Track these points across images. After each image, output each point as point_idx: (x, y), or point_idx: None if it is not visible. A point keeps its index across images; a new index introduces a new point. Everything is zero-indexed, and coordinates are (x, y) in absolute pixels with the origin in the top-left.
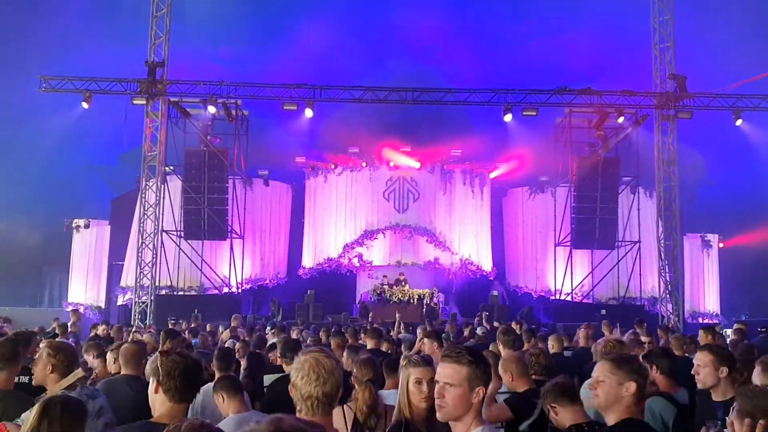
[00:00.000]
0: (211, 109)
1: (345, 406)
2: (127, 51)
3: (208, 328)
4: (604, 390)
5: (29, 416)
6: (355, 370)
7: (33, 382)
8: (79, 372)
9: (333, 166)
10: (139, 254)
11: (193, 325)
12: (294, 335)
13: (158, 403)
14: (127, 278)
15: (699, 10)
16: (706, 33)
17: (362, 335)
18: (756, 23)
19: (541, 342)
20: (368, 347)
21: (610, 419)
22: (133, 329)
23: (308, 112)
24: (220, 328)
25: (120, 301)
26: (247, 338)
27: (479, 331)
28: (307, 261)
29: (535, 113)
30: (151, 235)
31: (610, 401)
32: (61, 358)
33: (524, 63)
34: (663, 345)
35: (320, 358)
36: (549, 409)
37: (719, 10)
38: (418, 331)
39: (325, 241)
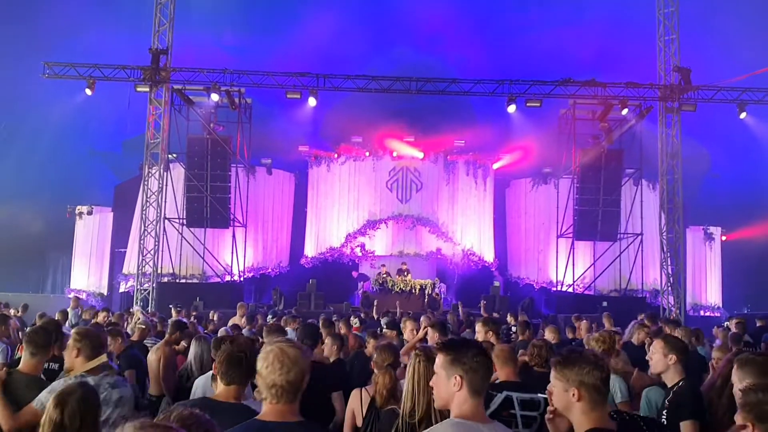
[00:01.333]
0: (215, 97)
1: (363, 389)
2: (131, 38)
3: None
4: (555, 398)
5: (47, 411)
6: (375, 355)
7: (64, 368)
8: (102, 357)
9: (336, 156)
10: (142, 241)
11: (194, 314)
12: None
13: (217, 384)
14: (130, 265)
15: (704, 2)
16: (711, 25)
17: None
18: (761, 16)
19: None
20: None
21: (578, 428)
22: (137, 313)
23: (312, 101)
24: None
25: (122, 288)
26: (246, 327)
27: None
28: (310, 250)
29: (538, 104)
30: (154, 223)
31: (562, 408)
32: (86, 343)
33: (529, 54)
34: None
35: (285, 348)
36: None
37: (724, 3)
38: (422, 320)
39: (328, 230)
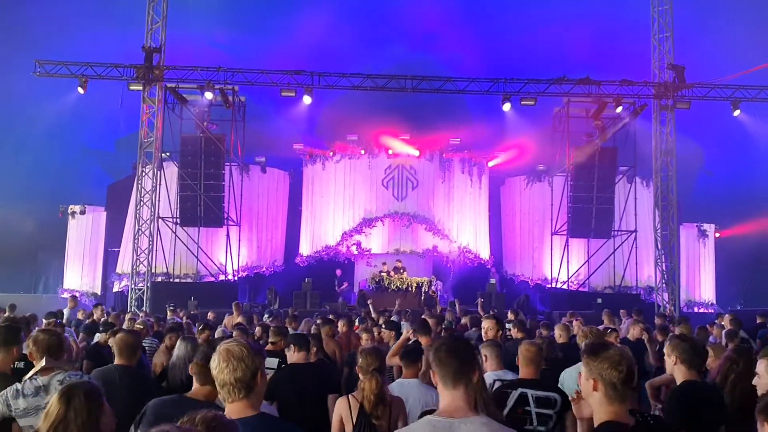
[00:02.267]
0: (208, 95)
1: (350, 396)
2: (124, 35)
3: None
4: (582, 383)
5: (50, 405)
6: (360, 360)
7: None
8: (42, 363)
9: (331, 154)
10: (136, 241)
11: (192, 312)
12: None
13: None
14: (123, 265)
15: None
16: (706, 23)
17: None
18: (755, 14)
19: (545, 330)
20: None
21: (595, 419)
22: (129, 316)
23: (306, 99)
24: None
25: (116, 288)
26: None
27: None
28: (305, 249)
29: (533, 103)
30: (148, 222)
31: (585, 395)
32: (35, 348)
33: (523, 52)
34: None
35: (230, 348)
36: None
37: (719, 1)
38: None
39: (323, 228)
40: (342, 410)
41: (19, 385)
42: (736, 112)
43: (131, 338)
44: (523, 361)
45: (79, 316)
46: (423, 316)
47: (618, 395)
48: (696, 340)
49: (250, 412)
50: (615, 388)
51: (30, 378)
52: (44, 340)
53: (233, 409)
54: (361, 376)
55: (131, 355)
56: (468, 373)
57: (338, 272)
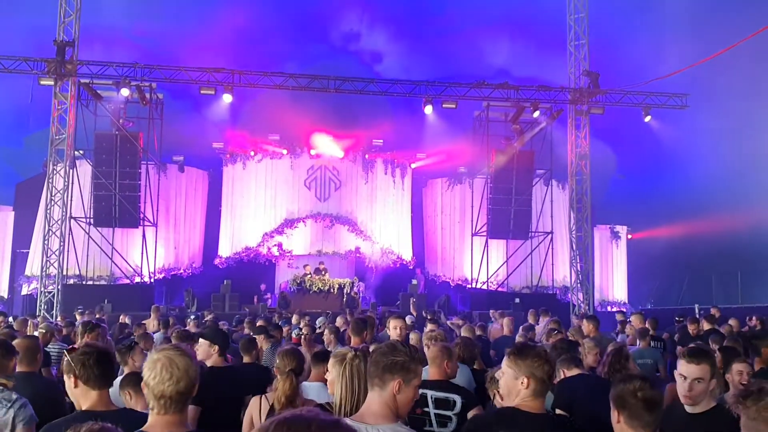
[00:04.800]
0: (124, 92)
1: (264, 396)
2: (35, 26)
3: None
4: (504, 381)
5: None
6: (278, 360)
7: None
8: None
9: (252, 153)
10: (46, 242)
11: (98, 316)
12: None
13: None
14: (33, 267)
15: (614, 8)
16: (620, 32)
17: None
18: (666, 24)
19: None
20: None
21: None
22: (40, 321)
23: (227, 98)
24: (127, 319)
25: (25, 291)
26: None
27: (407, 320)
28: (224, 250)
29: (454, 106)
30: (59, 222)
31: (506, 392)
32: None
33: (445, 55)
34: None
35: (173, 357)
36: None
37: (633, 11)
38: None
39: (244, 229)
40: (253, 410)
41: None
42: (647, 118)
43: (30, 342)
44: (428, 361)
45: None
46: (364, 316)
47: (544, 390)
48: (570, 341)
49: (181, 429)
50: (544, 383)
51: None
52: None
53: (162, 424)
54: (278, 376)
55: (32, 360)
56: (386, 380)
57: (262, 287)
